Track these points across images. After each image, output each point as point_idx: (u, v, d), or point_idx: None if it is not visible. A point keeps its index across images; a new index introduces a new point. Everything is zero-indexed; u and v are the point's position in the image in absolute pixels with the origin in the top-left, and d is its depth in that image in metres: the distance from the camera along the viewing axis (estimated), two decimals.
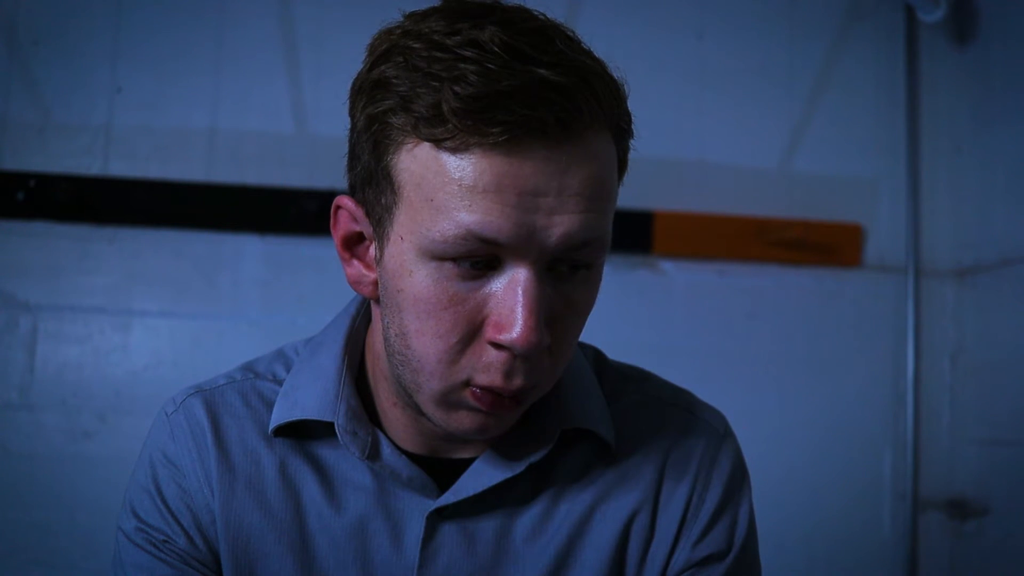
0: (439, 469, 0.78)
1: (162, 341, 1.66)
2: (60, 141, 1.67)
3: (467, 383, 0.68)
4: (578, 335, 0.72)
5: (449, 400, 0.69)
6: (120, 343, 1.65)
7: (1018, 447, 1.61)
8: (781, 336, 1.76)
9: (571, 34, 0.68)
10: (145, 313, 1.66)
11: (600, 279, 0.72)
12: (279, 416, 0.78)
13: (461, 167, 0.63)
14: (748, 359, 1.74)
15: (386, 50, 0.66)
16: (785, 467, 1.71)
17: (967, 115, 1.79)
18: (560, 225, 0.64)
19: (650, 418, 0.84)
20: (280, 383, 0.82)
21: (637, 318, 1.73)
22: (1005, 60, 1.71)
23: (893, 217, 1.80)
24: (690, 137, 1.76)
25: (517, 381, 0.67)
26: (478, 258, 0.65)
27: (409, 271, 0.67)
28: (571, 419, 0.78)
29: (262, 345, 1.63)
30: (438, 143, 0.63)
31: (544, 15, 0.68)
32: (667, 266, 1.75)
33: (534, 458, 0.77)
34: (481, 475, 0.76)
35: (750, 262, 1.76)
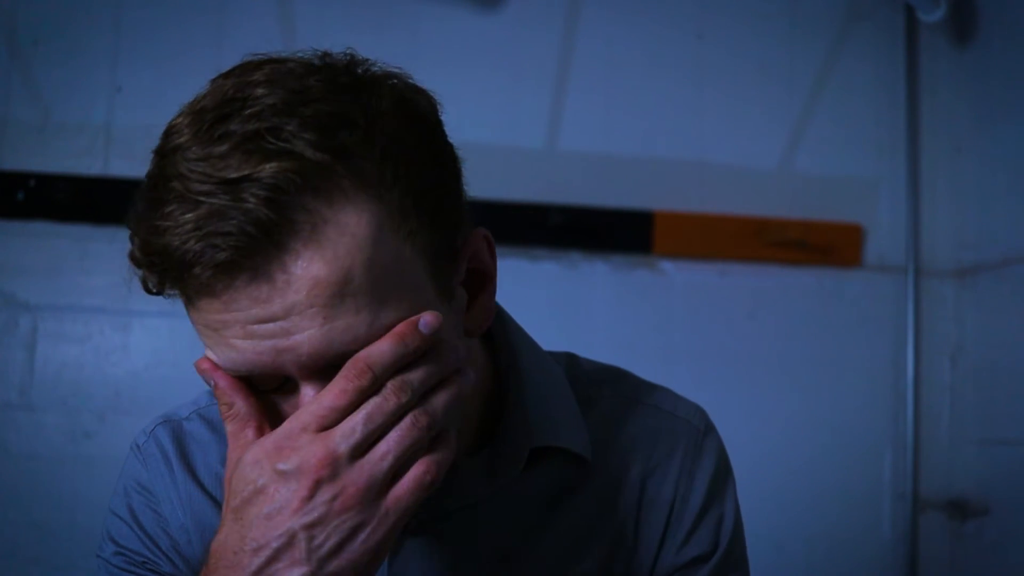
0: None
1: (162, 341, 1.66)
2: (60, 141, 1.67)
3: None
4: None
5: None
6: (120, 343, 1.65)
7: (1018, 447, 1.61)
8: (781, 336, 1.76)
9: (330, 84, 0.61)
10: (145, 313, 1.66)
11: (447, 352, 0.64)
12: None
13: (191, 309, 0.61)
14: (748, 359, 1.74)
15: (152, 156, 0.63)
16: (785, 467, 1.71)
17: (967, 115, 1.79)
18: (305, 344, 0.59)
19: (627, 421, 0.82)
20: None
21: (637, 318, 1.73)
22: (1005, 60, 1.71)
23: (893, 217, 1.80)
24: (690, 137, 1.76)
25: None
26: (262, 383, 0.63)
27: None
28: (540, 437, 0.76)
29: None
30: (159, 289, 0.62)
31: (314, 60, 0.63)
32: (667, 266, 1.75)
33: (502, 479, 0.75)
34: (448, 495, 0.74)
35: (750, 262, 1.76)
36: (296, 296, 0.58)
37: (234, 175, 0.56)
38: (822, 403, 1.75)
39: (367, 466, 0.59)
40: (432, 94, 0.68)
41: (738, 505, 0.83)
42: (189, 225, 0.56)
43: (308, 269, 0.58)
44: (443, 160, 0.67)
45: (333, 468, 0.59)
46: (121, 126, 1.69)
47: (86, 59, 1.69)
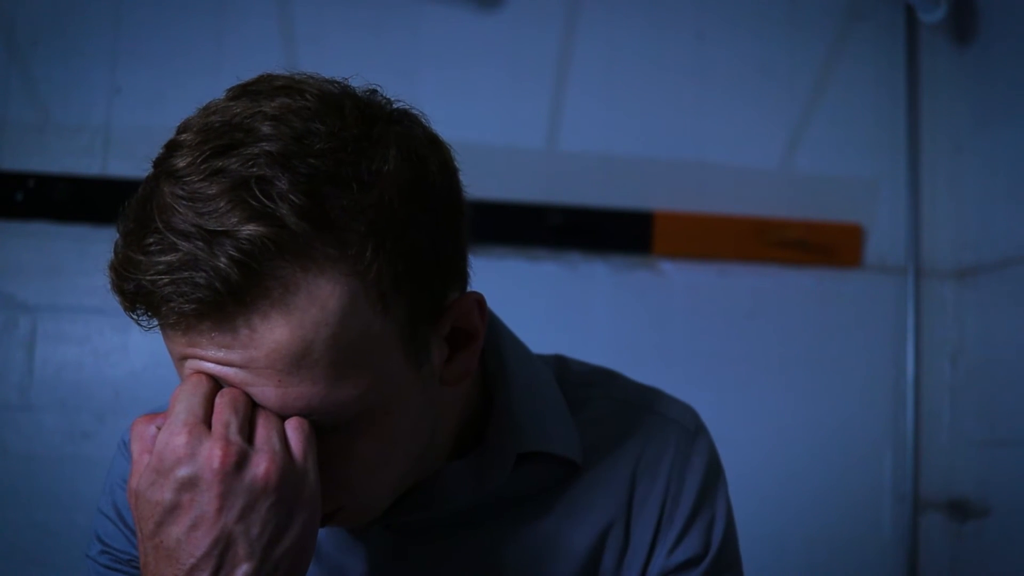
0: None
1: (161, 342, 1.65)
2: (59, 141, 1.67)
3: None
4: (380, 466, 0.66)
5: None
6: (119, 344, 1.65)
7: (1018, 447, 1.61)
8: (781, 336, 1.75)
9: (318, 137, 0.59)
10: None
11: (384, 428, 0.64)
12: None
13: (164, 337, 0.63)
14: (748, 360, 1.74)
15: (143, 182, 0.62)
16: (785, 468, 1.71)
17: (967, 115, 1.79)
18: (259, 397, 0.60)
19: (618, 424, 0.82)
20: None
21: (637, 319, 1.72)
22: (1005, 60, 1.71)
23: (893, 217, 1.80)
24: (690, 137, 1.76)
25: None
26: None
27: None
28: (528, 442, 0.75)
29: None
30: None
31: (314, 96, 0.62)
32: (667, 266, 1.74)
33: (490, 485, 0.74)
34: (432, 500, 0.74)
35: (750, 262, 1.75)
36: (256, 352, 0.58)
37: (214, 227, 0.56)
38: (822, 403, 1.74)
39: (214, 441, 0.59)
40: (449, 146, 0.67)
41: (730, 507, 0.82)
42: (162, 267, 0.57)
43: (271, 331, 0.58)
44: (442, 221, 0.64)
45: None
46: (120, 127, 1.69)
47: (85, 59, 1.69)
